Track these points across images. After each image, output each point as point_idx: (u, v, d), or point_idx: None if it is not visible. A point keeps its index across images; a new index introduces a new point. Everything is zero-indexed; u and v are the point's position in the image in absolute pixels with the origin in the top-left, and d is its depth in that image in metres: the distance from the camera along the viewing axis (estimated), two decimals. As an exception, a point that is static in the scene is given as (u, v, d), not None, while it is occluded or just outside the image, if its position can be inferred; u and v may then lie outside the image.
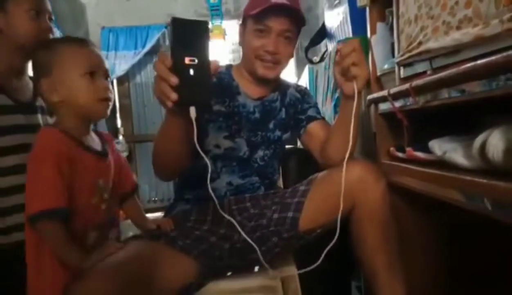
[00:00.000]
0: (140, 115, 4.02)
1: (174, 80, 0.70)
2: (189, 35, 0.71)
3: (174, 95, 0.70)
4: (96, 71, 0.88)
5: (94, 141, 0.93)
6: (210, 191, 0.81)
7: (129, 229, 1.12)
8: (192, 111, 0.74)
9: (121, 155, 1.02)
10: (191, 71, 0.70)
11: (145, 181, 4.17)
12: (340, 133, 0.99)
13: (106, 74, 0.91)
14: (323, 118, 1.22)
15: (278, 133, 1.16)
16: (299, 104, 1.20)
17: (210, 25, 3.86)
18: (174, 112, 0.78)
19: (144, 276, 0.80)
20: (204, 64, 0.71)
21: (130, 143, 4.00)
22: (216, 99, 1.10)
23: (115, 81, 3.98)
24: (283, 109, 1.18)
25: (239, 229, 0.90)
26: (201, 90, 0.72)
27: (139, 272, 0.78)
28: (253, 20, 1.06)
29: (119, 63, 3.80)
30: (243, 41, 1.12)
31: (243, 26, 1.12)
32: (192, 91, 0.71)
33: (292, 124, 1.20)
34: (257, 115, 1.14)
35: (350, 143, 0.92)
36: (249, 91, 1.14)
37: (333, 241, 0.89)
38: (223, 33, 3.81)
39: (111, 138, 1.01)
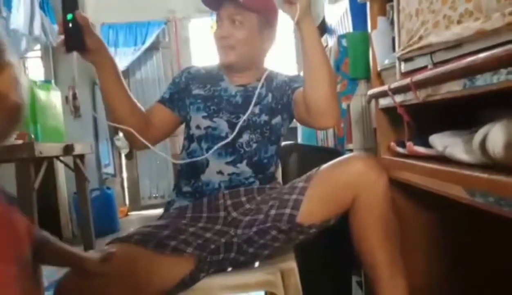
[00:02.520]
0: (140, 111, 4.01)
1: (60, 32, 0.92)
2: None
3: (61, 44, 0.92)
4: None
5: None
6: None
7: (129, 225, 1.12)
8: (75, 54, 0.97)
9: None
10: (70, 25, 0.92)
11: (145, 177, 4.18)
12: (308, 66, 1.00)
13: None
14: None
15: (264, 117, 1.14)
16: (286, 86, 1.18)
17: (210, 21, 3.87)
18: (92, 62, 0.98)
19: (132, 286, 0.81)
20: (76, 18, 0.91)
21: (131, 140, 4.00)
22: (197, 84, 1.16)
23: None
24: (269, 94, 1.17)
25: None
26: (77, 39, 0.93)
27: (126, 285, 0.80)
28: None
29: (119, 59, 3.79)
30: None
31: None
32: (72, 40, 0.93)
33: (282, 107, 1.17)
34: (238, 99, 1.15)
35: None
36: (233, 79, 1.16)
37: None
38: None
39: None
